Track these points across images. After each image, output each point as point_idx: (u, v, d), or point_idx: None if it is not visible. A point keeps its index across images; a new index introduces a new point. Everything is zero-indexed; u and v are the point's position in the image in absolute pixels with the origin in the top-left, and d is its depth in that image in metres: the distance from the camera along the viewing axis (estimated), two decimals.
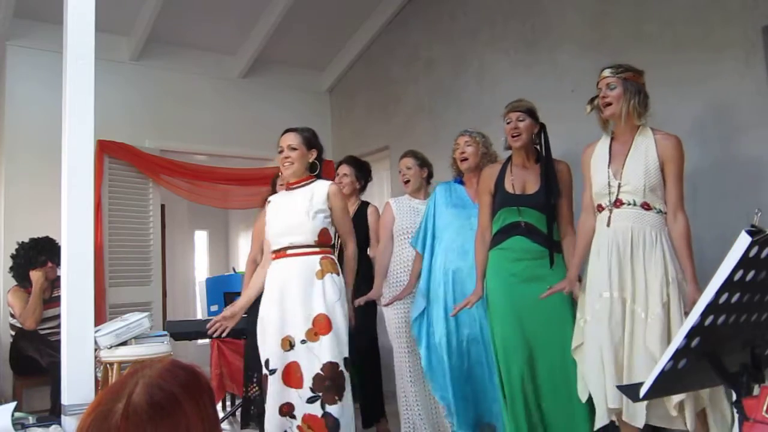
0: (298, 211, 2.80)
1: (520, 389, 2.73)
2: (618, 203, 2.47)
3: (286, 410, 2.67)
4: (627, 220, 2.44)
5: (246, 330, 3.88)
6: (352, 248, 3.01)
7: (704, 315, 1.07)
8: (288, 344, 2.68)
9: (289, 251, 2.78)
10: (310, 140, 2.93)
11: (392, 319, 3.44)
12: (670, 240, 2.42)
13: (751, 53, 3.04)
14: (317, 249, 2.79)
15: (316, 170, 2.93)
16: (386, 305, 3.41)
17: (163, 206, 5.70)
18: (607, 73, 2.54)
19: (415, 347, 3.31)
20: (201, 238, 7.85)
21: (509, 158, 2.96)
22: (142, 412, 0.79)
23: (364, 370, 3.70)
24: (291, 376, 2.68)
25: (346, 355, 2.70)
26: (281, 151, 2.89)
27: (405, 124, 5.18)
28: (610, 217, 2.47)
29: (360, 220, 3.73)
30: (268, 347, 2.72)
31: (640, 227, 2.41)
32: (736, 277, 1.05)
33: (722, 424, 2.27)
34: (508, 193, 2.86)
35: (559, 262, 2.78)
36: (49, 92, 3.98)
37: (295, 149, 2.87)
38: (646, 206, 2.43)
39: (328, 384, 2.62)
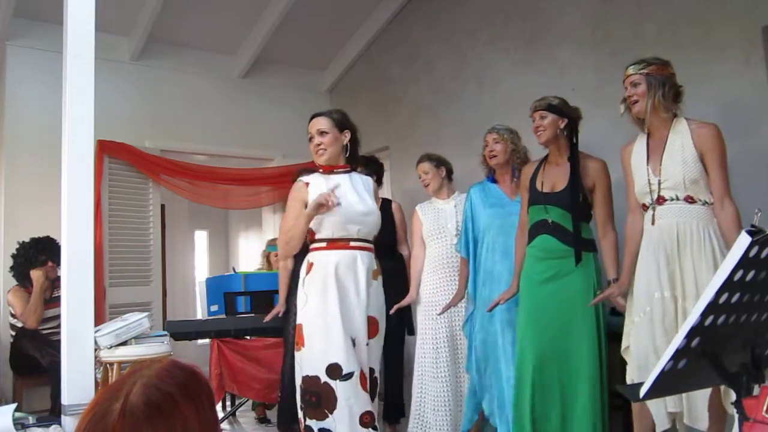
0: (367, 200, 2.62)
1: (529, 387, 2.71)
2: (660, 200, 2.41)
3: (368, 420, 2.41)
4: (672, 216, 2.37)
5: (283, 333, 3.90)
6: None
7: (704, 315, 1.07)
8: (354, 344, 2.50)
9: (353, 243, 2.55)
10: (342, 121, 2.67)
11: (420, 319, 3.45)
12: (719, 231, 2.34)
13: (751, 53, 3.04)
14: (373, 246, 2.65)
15: (354, 152, 2.72)
16: (440, 313, 3.34)
17: (163, 206, 5.69)
18: (630, 70, 2.49)
19: (439, 345, 3.32)
20: (201, 238, 7.85)
21: (546, 155, 2.93)
22: (138, 412, 0.79)
23: (391, 370, 3.70)
24: (365, 381, 2.46)
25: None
26: (311, 138, 2.65)
27: (405, 124, 5.18)
28: (654, 215, 2.42)
29: (386, 218, 3.75)
30: (333, 350, 2.42)
31: (686, 222, 2.35)
32: (736, 277, 1.05)
33: None
34: (536, 191, 2.84)
35: (588, 261, 2.75)
36: (49, 92, 3.99)
37: (326, 133, 2.62)
38: (689, 200, 2.36)
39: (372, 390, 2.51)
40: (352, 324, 2.47)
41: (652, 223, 2.43)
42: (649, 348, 2.35)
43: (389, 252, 3.74)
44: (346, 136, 2.66)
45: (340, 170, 2.67)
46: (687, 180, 2.35)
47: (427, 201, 3.65)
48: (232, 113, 5.48)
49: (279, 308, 3.87)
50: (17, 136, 4.49)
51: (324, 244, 2.55)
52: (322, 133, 2.63)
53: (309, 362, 2.44)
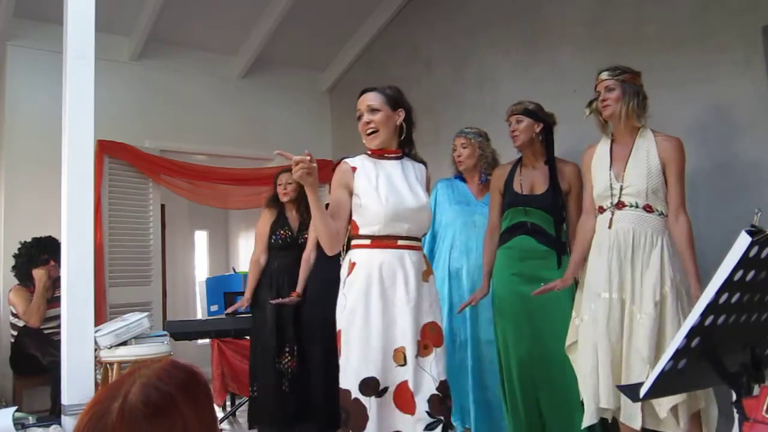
0: (420, 193, 2.30)
1: (519, 386, 2.75)
2: (620, 205, 2.47)
3: None
4: (629, 222, 2.44)
5: (251, 330, 3.91)
6: None
7: (704, 315, 1.07)
8: (402, 358, 2.14)
9: (401, 242, 2.23)
10: (396, 99, 2.36)
11: None
12: (670, 242, 2.42)
13: (751, 53, 3.04)
14: (421, 244, 2.35)
15: (403, 136, 2.36)
16: None
17: (163, 206, 5.70)
18: (604, 75, 2.54)
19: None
20: (201, 238, 7.84)
21: (520, 158, 2.98)
22: (137, 411, 0.79)
23: None
24: (402, 398, 2.13)
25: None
26: (360, 117, 2.33)
27: None
28: (612, 219, 2.48)
29: None
30: (371, 362, 2.12)
31: (642, 229, 2.42)
32: (736, 277, 1.05)
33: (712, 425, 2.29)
34: (515, 193, 2.88)
35: (567, 263, 2.78)
36: (49, 92, 3.98)
37: (377, 111, 2.29)
38: (648, 208, 2.44)
39: (448, 405, 2.17)
40: (399, 333, 2.15)
41: (609, 227, 2.48)
42: (588, 345, 2.43)
43: None
44: (400, 116, 2.33)
45: (391, 156, 2.33)
46: (649, 189, 2.43)
47: None
48: (232, 113, 5.48)
49: (242, 302, 3.87)
50: (17, 136, 4.49)
51: (368, 242, 2.23)
52: (372, 110, 2.29)
53: (344, 373, 2.16)
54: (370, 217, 2.22)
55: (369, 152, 2.34)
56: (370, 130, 2.29)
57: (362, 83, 5.83)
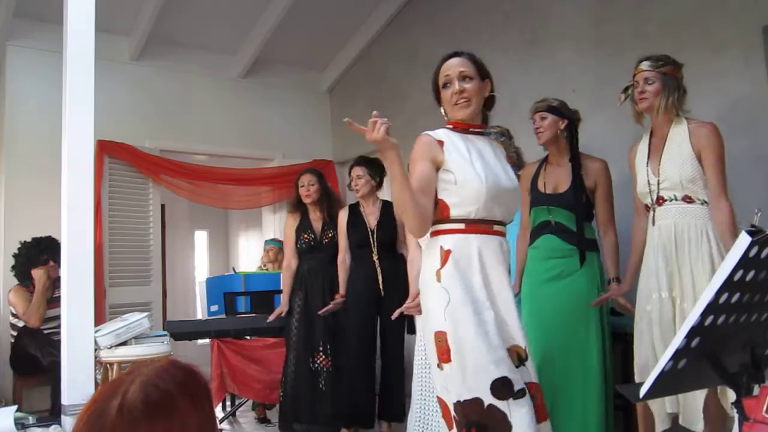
0: (510, 173, 2.05)
1: None
2: (660, 200, 2.41)
3: None
4: (670, 217, 2.38)
5: (285, 334, 3.92)
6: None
7: (704, 315, 1.07)
8: (517, 357, 1.88)
9: (496, 227, 1.96)
10: (483, 68, 2.10)
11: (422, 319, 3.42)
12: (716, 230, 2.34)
13: (751, 53, 3.04)
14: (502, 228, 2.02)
15: (491, 109, 2.12)
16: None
17: (163, 206, 5.70)
18: (645, 66, 2.45)
19: None
20: (201, 238, 7.85)
21: (546, 156, 2.94)
22: (136, 410, 0.79)
23: (394, 366, 3.73)
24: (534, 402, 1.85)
25: None
26: (446, 84, 2.05)
27: (405, 124, 5.17)
28: (654, 216, 2.42)
29: (390, 219, 3.76)
30: (499, 360, 1.80)
31: (685, 222, 2.35)
32: (736, 277, 1.05)
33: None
34: (538, 192, 2.85)
35: (591, 260, 2.75)
36: (49, 92, 3.99)
37: (470, 78, 2.03)
38: (687, 199, 2.36)
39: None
40: (510, 329, 1.89)
41: (653, 224, 2.43)
42: (648, 347, 2.37)
43: (390, 252, 3.75)
44: (487, 88, 2.08)
45: (476, 130, 2.07)
46: (684, 179, 2.35)
47: None
48: (232, 113, 5.48)
49: (282, 308, 3.89)
50: (17, 136, 4.49)
51: (462, 226, 1.92)
52: (465, 77, 2.03)
53: (462, 382, 1.80)
54: (467, 197, 1.90)
55: (450, 126, 2.07)
56: (462, 100, 2.00)
57: (362, 83, 5.89)
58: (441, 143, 1.99)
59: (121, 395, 0.80)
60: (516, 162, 3.18)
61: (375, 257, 3.69)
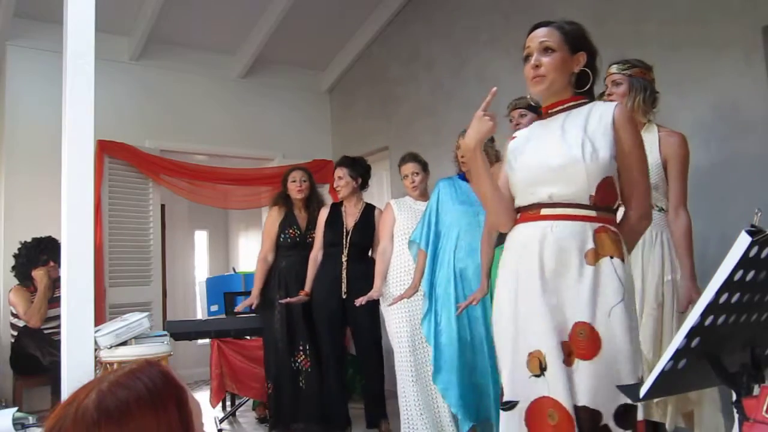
0: (567, 142, 1.71)
1: None
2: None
3: None
4: None
5: (262, 329, 3.92)
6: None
7: (704, 315, 1.07)
8: (538, 365, 1.63)
9: (545, 210, 1.71)
10: (575, 39, 1.83)
11: (392, 319, 3.43)
12: (670, 238, 2.40)
13: (751, 53, 3.04)
14: (593, 213, 1.68)
15: (587, 85, 1.83)
16: (391, 305, 3.38)
17: (163, 206, 5.70)
18: (613, 69, 2.50)
19: (415, 346, 3.32)
20: (201, 238, 7.84)
21: None
22: (89, 416, 0.77)
23: (369, 370, 3.71)
24: (536, 418, 1.62)
25: (626, 400, 1.57)
26: (527, 57, 1.87)
27: (405, 124, 5.18)
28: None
29: (368, 223, 3.75)
30: (504, 367, 1.72)
31: None
32: (736, 277, 1.05)
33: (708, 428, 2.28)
34: None
35: None
36: (49, 92, 3.99)
37: (551, 51, 1.80)
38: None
39: None
40: (534, 332, 1.64)
41: None
42: None
43: (360, 255, 3.74)
44: (580, 61, 1.81)
45: (556, 109, 1.83)
46: None
47: (401, 198, 3.64)
48: (232, 113, 5.48)
49: (251, 300, 3.85)
50: (17, 137, 4.50)
51: (518, 216, 1.80)
52: (546, 49, 1.81)
53: None
54: (513, 182, 1.81)
55: (544, 112, 1.90)
56: (537, 79, 1.81)
57: (362, 83, 5.89)
58: (513, 138, 1.93)
59: (78, 401, 0.79)
60: (494, 162, 3.19)
61: (344, 258, 3.67)
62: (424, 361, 3.30)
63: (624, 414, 1.58)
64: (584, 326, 1.60)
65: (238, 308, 3.93)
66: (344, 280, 3.64)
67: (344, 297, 3.62)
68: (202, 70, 5.37)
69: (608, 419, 1.57)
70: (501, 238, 2.87)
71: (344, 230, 3.73)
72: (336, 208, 3.84)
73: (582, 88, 1.82)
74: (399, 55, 5.26)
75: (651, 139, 2.44)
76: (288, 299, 3.67)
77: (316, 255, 3.77)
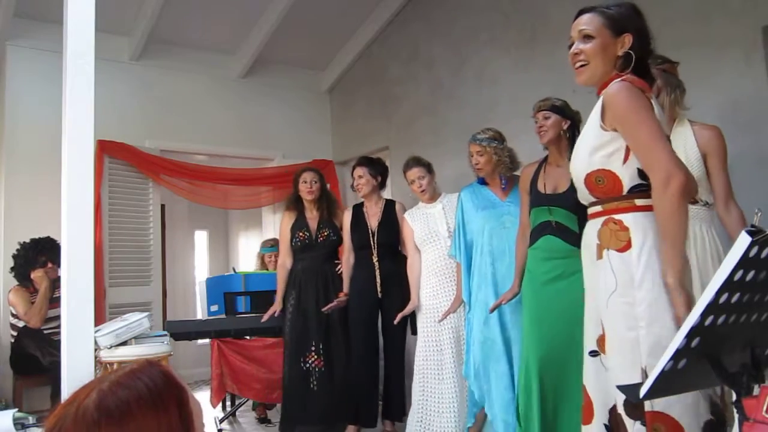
0: (585, 134, 1.81)
1: (536, 388, 2.69)
2: None
3: None
4: None
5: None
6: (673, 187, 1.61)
7: (704, 315, 1.07)
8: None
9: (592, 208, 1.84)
10: (618, 21, 1.74)
11: (423, 321, 3.46)
12: (719, 233, 2.37)
13: (752, 53, 3.04)
14: (599, 208, 1.76)
15: (629, 67, 1.75)
16: (440, 320, 3.37)
17: (163, 206, 5.70)
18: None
19: (443, 347, 3.35)
20: (201, 238, 7.85)
21: (546, 156, 2.93)
22: (89, 416, 0.77)
23: (394, 369, 3.73)
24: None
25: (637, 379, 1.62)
26: (571, 45, 1.82)
27: (405, 124, 5.18)
28: None
29: (391, 220, 3.78)
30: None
31: (690, 223, 2.36)
32: (736, 277, 1.05)
33: None
34: (538, 192, 2.83)
35: None
36: (49, 92, 3.98)
37: (590, 38, 1.76)
38: (691, 201, 2.39)
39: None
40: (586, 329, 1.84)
41: None
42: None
43: (390, 253, 3.76)
44: (625, 43, 1.74)
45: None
46: None
47: (414, 207, 3.68)
48: (232, 113, 5.48)
49: (275, 307, 3.89)
50: (17, 137, 4.49)
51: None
52: (585, 36, 1.77)
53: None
54: None
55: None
56: (578, 63, 1.79)
57: (362, 83, 5.88)
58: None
59: (78, 401, 0.79)
60: (509, 165, 3.19)
61: (375, 259, 3.70)
62: (450, 362, 3.32)
63: (632, 405, 1.64)
64: (600, 321, 1.75)
65: (265, 317, 3.95)
66: (378, 281, 3.68)
67: (380, 296, 3.68)
68: (203, 69, 5.37)
69: (620, 408, 1.67)
70: (530, 240, 2.89)
71: (369, 231, 3.76)
72: (358, 210, 3.86)
73: (623, 71, 1.76)
74: (399, 55, 5.26)
75: (685, 133, 2.42)
76: (329, 306, 3.70)
77: (347, 257, 3.82)
